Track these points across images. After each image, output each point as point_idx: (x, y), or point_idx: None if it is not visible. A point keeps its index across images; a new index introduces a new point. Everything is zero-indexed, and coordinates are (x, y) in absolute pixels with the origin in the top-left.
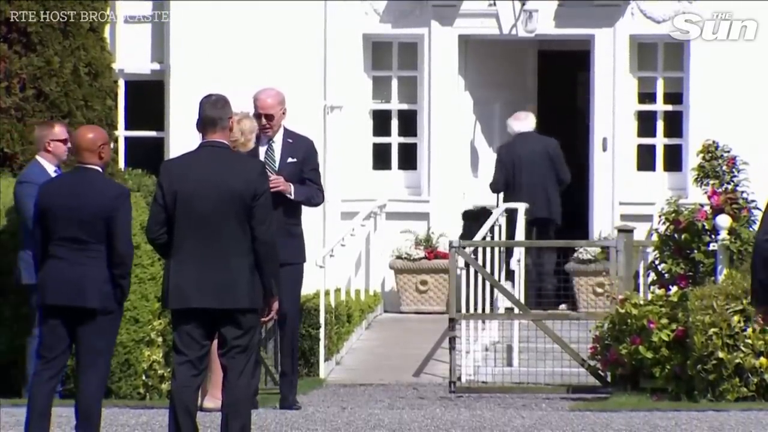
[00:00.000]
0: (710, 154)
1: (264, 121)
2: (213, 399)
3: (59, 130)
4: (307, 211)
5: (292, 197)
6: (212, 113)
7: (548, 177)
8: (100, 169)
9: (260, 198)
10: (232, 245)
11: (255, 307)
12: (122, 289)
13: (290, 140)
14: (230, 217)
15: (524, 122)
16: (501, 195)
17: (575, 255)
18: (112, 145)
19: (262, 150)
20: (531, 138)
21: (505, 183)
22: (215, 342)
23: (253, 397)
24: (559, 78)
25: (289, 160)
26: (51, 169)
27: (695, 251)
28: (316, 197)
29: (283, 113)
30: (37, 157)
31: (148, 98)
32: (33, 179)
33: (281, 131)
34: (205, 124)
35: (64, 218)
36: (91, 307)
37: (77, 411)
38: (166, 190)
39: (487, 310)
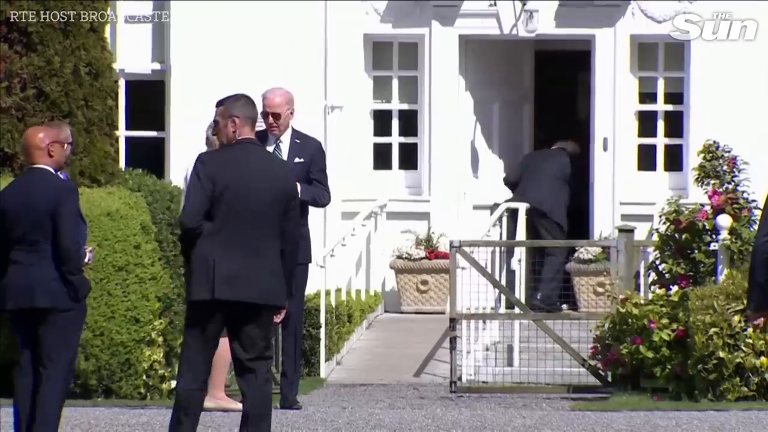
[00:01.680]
0: (711, 154)
1: (271, 119)
2: (213, 399)
3: (68, 133)
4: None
5: (299, 197)
6: (254, 112)
7: (555, 180)
8: (51, 169)
9: (296, 198)
10: (271, 242)
11: (285, 306)
12: (74, 286)
13: (298, 140)
14: (274, 215)
15: (565, 143)
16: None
17: (576, 255)
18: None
19: (269, 149)
20: (556, 153)
21: (515, 181)
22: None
23: None
24: (559, 78)
25: (297, 160)
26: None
27: (696, 251)
28: (322, 197)
29: (291, 113)
30: None
31: (148, 98)
32: None
33: (289, 131)
34: (246, 121)
35: (15, 220)
36: (41, 306)
37: (33, 411)
38: (216, 180)
39: (488, 310)
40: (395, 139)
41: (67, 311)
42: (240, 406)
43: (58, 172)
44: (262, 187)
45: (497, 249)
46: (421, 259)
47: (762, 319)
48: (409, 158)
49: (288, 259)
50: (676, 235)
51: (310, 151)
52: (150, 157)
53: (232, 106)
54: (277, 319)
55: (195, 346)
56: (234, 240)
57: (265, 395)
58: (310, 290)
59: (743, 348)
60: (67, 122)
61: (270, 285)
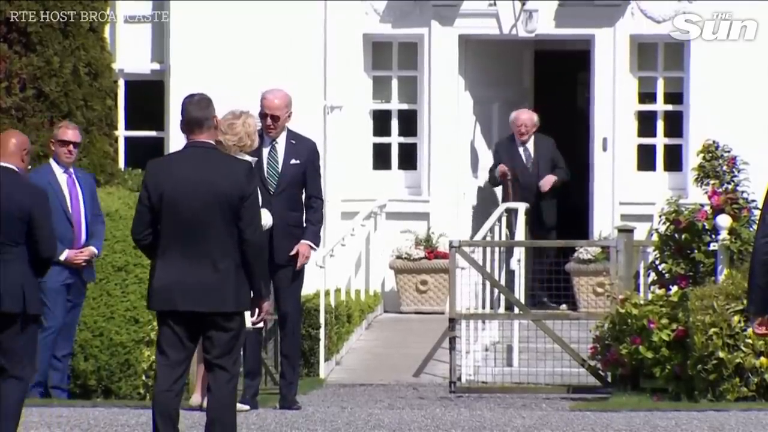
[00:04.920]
0: (710, 154)
1: (269, 121)
2: None
3: (62, 132)
4: None
5: (317, 248)
6: (198, 113)
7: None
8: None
9: (248, 199)
10: (219, 247)
11: (240, 310)
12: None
13: (293, 141)
14: (217, 219)
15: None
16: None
17: (575, 255)
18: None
19: (265, 151)
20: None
21: None
22: None
23: (253, 398)
24: (559, 78)
25: (292, 161)
26: (59, 171)
27: (695, 251)
28: (320, 217)
29: (289, 116)
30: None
31: (148, 98)
32: (31, 180)
33: (285, 132)
34: (191, 124)
35: None
36: (8, 311)
37: None
38: (152, 190)
39: (488, 310)
40: (395, 139)
41: (34, 316)
42: (242, 407)
43: (69, 170)
44: (196, 192)
45: (497, 249)
46: (421, 259)
47: (764, 328)
48: (409, 158)
49: (253, 261)
50: (676, 235)
51: (306, 153)
52: (149, 157)
53: (184, 108)
54: (255, 320)
55: (164, 349)
56: (172, 247)
57: (224, 396)
58: (309, 290)
59: (743, 348)
60: (74, 124)
61: (212, 290)
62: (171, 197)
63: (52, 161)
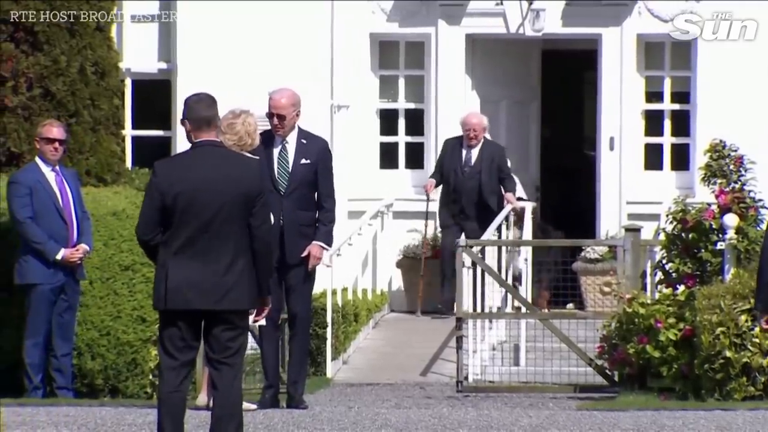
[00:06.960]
0: (717, 153)
1: (276, 120)
2: None
3: (46, 129)
4: None
5: (329, 248)
6: (208, 112)
7: None
8: None
9: (262, 197)
10: (234, 245)
11: (252, 307)
12: None
13: (304, 141)
14: (234, 217)
15: None
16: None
17: (582, 254)
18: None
19: (275, 150)
20: None
21: None
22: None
23: (273, 398)
24: (566, 77)
25: (303, 161)
26: (47, 169)
27: (702, 250)
28: (333, 218)
29: (297, 114)
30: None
31: (154, 97)
32: (20, 179)
33: (295, 131)
34: (200, 123)
35: None
36: None
37: None
38: (166, 192)
39: (495, 309)
40: (401, 139)
41: None
42: (250, 406)
43: (56, 168)
44: (216, 191)
45: (504, 248)
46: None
47: None
48: (416, 157)
49: (263, 258)
50: (683, 234)
51: (316, 152)
52: (156, 156)
53: (186, 108)
54: (257, 318)
55: (170, 351)
56: (188, 246)
57: (234, 394)
58: (316, 289)
59: (750, 347)
60: (73, 121)
61: (227, 289)
62: (189, 197)
63: (38, 159)
